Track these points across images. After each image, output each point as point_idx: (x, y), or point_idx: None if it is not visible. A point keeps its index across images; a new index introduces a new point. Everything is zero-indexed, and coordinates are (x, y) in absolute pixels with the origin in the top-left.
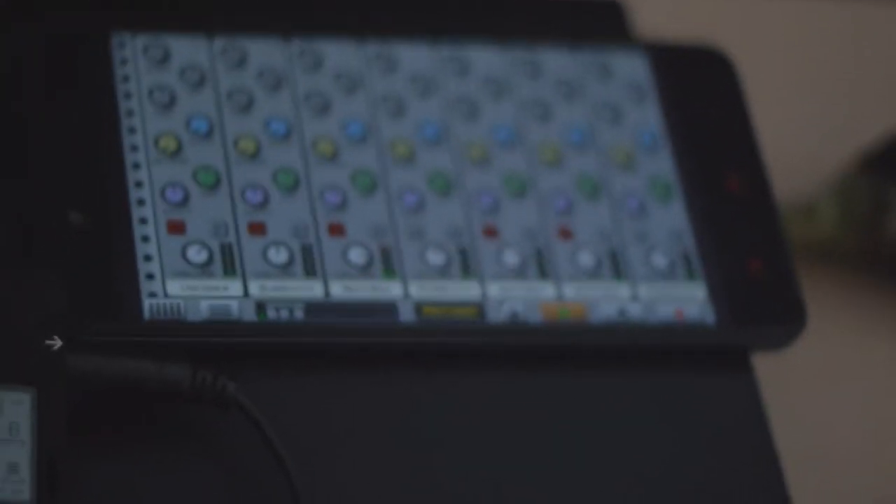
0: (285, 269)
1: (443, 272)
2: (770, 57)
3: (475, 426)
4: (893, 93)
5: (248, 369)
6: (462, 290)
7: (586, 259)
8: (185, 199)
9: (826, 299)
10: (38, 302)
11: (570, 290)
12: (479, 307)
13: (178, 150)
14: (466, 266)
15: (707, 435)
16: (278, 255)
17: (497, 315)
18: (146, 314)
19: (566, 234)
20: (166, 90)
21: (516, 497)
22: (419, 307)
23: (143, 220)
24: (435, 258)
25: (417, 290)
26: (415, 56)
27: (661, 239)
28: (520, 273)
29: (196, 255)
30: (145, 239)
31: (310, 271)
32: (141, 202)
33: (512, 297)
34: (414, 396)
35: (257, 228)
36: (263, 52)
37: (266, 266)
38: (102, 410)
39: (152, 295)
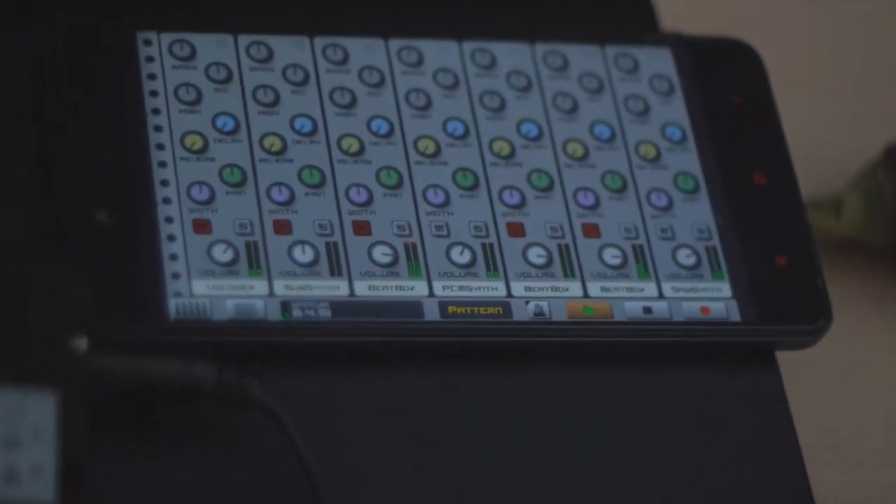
0: (310, 268)
1: (468, 270)
2: (797, 50)
3: (500, 425)
4: None
5: (273, 368)
6: (487, 289)
7: (612, 257)
8: (211, 198)
9: (853, 295)
10: (64, 302)
11: (596, 289)
12: (505, 306)
13: (204, 148)
14: (491, 264)
15: (732, 432)
16: (304, 254)
17: (522, 314)
18: (172, 313)
19: (592, 231)
20: (192, 88)
21: (543, 495)
22: (444, 306)
23: (169, 219)
24: (460, 256)
25: (442, 288)
26: (441, 52)
27: (687, 236)
28: (545, 271)
29: (222, 254)
30: (171, 238)
31: (335, 270)
32: (167, 201)
33: (537, 295)
34: (439, 396)
35: (283, 227)
36: (289, 49)
37: (291, 265)
38: (127, 410)
39: (178, 294)
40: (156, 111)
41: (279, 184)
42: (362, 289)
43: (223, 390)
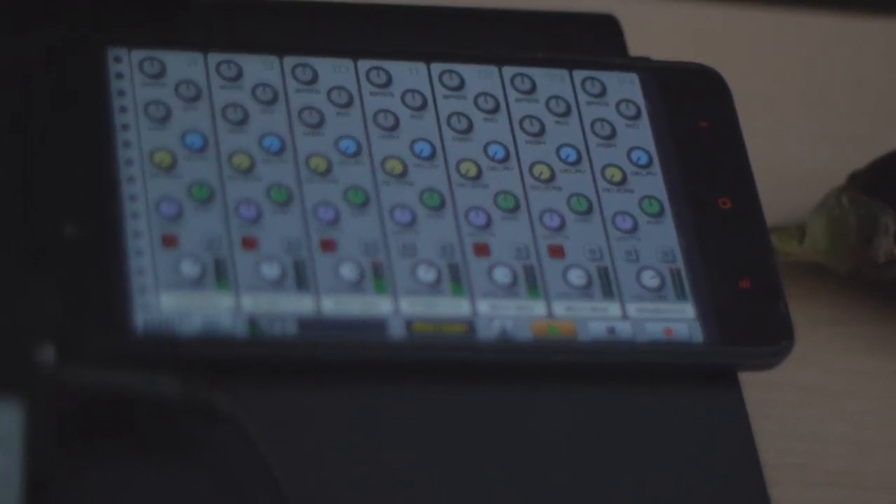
0: (278, 284)
1: (433, 289)
2: (763, 75)
3: (463, 442)
4: (885, 111)
5: (239, 383)
6: (452, 307)
7: (577, 277)
8: (179, 214)
9: (815, 318)
10: (32, 313)
11: (560, 309)
12: (469, 324)
13: (173, 164)
14: (457, 283)
15: (694, 452)
16: (271, 270)
17: (487, 332)
18: (139, 327)
19: (557, 252)
20: (161, 105)
21: None
22: (409, 323)
23: (137, 234)
24: (426, 275)
25: (408, 305)
26: (408, 73)
27: (651, 258)
28: (510, 290)
29: (189, 268)
30: (139, 253)
31: (302, 286)
32: (135, 216)
33: (502, 314)
34: (403, 412)
35: (250, 243)
36: (259, 68)
37: (259, 280)
38: (94, 423)
39: (145, 308)
40: (125, 127)
41: (247, 200)
42: (329, 305)
43: (190, 404)
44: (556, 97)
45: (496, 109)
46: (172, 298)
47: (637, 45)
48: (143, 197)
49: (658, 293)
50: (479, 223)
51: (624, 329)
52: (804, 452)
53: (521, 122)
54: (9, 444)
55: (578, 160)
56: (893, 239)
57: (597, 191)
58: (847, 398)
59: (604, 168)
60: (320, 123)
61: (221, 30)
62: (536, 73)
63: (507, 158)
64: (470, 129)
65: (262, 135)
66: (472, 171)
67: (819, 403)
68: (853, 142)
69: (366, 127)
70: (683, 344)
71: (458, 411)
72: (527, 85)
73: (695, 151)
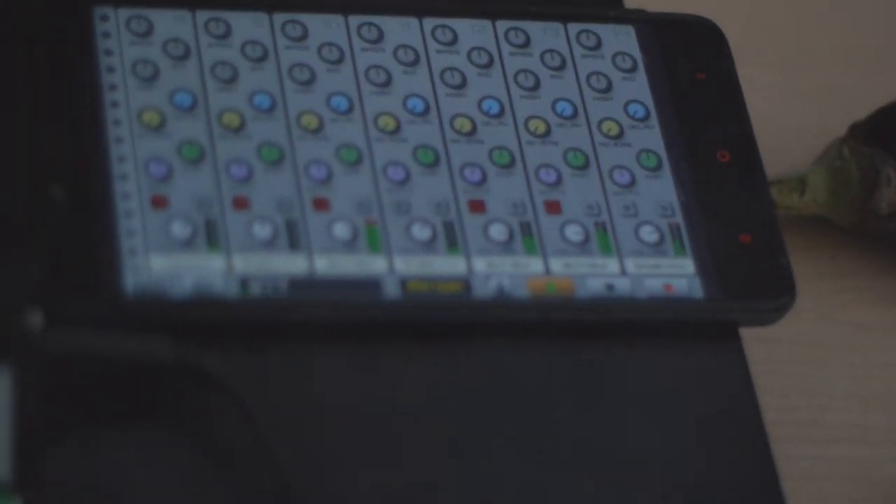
0: (270, 244)
1: (428, 247)
2: (761, 26)
3: (459, 401)
4: (884, 64)
5: (231, 345)
6: (448, 266)
7: (574, 233)
8: (169, 174)
9: (816, 272)
10: (19, 277)
11: (558, 265)
12: (465, 282)
13: (162, 124)
14: (452, 241)
15: (695, 409)
16: (263, 230)
17: (483, 290)
18: (129, 290)
19: (554, 208)
20: (149, 64)
21: (502, 471)
22: (404, 282)
23: (126, 195)
24: (420, 233)
25: (403, 265)
26: (400, 28)
27: (650, 213)
28: (506, 248)
29: (180, 230)
30: (128, 214)
31: (294, 246)
32: (124, 177)
33: (498, 272)
34: (399, 372)
35: (242, 203)
36: (247, 25)
37: (250, 241)
38: (84, 387)
39: (135, 270)
40: (113, 87)
41: (238, 160)
42: (322, 265)
43: (180, 366)
44: (551, 51)
45: (490, 64)
46: (162, 260)
47: (634, 1)
48: (131, 157)
49: (657, 248)
50: (473, 180)
51: (623, 285)
52: (807, 407)
53: (515, 76)
54: None
55: (574, 114)
56: (895, 190)
57: (593, 145)
58: (850, 352)
59: (601, 122)
60: (311, 80)
61: None
62: (530, 26)
63: (501, 113)
64: (464, 84)
65: (252, 93)
66: (467, 127)
67: (821, 358)
68: (853, 93)
69: (358, 83)
70: (683, 299)
71: (453, 370)
72: (521, 39)
73: (692, 104)
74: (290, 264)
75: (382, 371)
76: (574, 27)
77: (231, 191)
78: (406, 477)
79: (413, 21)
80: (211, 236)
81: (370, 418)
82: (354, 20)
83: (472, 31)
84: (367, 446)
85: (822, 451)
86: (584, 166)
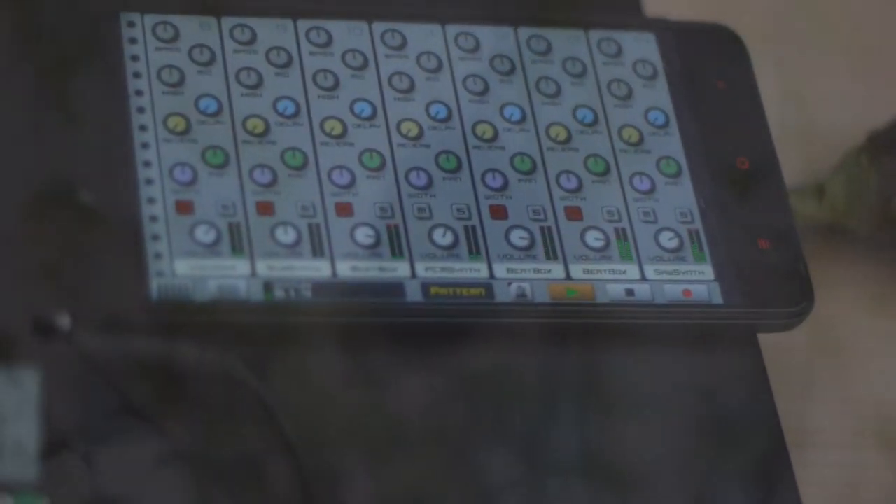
0: (293, 249)
1: (450, 252)
2: (781, 34)
3: (481, 406)
4: None
5: (255, 348)
6: (469, 271)
7: (595, 239)
8: (194, 179)
9: (834, 279)
10: (47, 282)
11: (578, 271)
12: (487, 287)
13: (187, 129)
14: (474, 246)
15: (713, 415)
16: (286, 235)
17: (504, 295)
18: (154, 294)
19: (575, 214)
20: (175, 70)
21: (519, 476)
22: (426, 287)
23: (152, 200)
24: (442, 238)
25: (424, 270)
26: (423, 35)
27: (669, 219)
28: (528, 253)
29: (204, 234)
30: (153, 219)
31: (317, 251)
32: (149, 182)
33: (519, 277)
34: (421, 376)
35: (265, 208)
36: (273, 31)
37: (274, 246)
38: (109, 389)
39: (160, 275)
40: (139, 93)
41: (262, 165)
42: (344, 270)
43: (205, 370)
44: (572, 58)
45: (512, 71)
46: (187, 264)
47: (654, 4)
48: (157, 162)
49: (676, 254)
50: (495, 185)
51: (642, 291)
52: (825, 414)
53: (537, 83)
54: (26, 411)
55: (595, 121)
56: None
57: (614, 151)
58: (868, 359)
59: (621, 129)
60: (335, 86)
61: None
62: (552, 34)
63: (523, 120)
64: (486, 90)
65: (277, 98)
66: (489, 133)
67: (840, 365)
68: (872, 102)
69: (381, 89)
70: (702, 305)
71: (475, 375)
72: (542, 46)
73: (712, 112)
74: (313, 269)
75: (405, 375)
76: (595, 35)
77: (255, 196)
78: (427, 478)
79: (436, 28)
80: (235, 241)
81: (391, 421)
82: (378, 27)
83: (496, 38)
84: (387, 448)
85: (841, 457)
86: (605, 173)
